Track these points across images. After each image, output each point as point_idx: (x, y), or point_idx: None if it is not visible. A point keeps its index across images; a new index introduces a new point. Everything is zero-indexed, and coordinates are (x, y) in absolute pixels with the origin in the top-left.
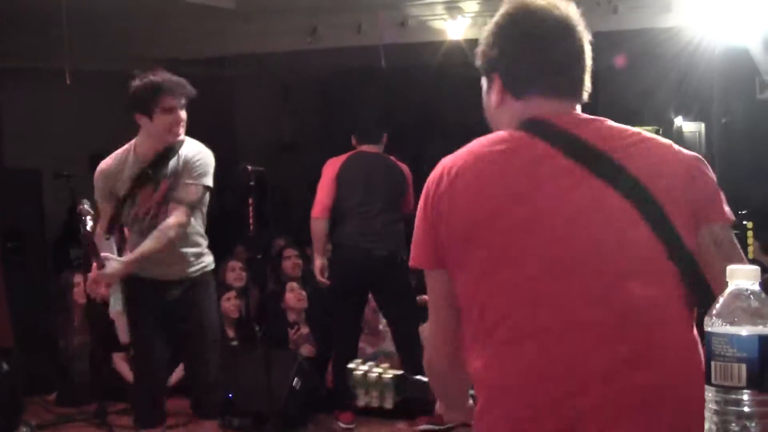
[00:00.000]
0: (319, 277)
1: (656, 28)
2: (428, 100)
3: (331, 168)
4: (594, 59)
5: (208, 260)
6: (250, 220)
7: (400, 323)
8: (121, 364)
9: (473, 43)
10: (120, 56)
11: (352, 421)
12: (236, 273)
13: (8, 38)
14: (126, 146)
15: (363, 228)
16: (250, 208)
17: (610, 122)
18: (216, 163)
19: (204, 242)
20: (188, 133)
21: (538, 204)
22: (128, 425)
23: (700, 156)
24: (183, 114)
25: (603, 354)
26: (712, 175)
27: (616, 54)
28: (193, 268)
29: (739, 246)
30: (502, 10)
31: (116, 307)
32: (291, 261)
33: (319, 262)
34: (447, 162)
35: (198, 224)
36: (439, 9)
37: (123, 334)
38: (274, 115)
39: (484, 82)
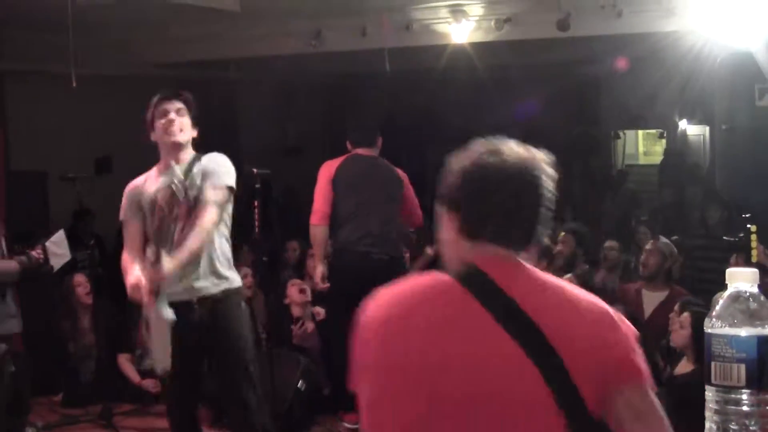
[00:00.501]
0: (318, 283)
1: (660, 32)
2: (432, 103)
3: (326, 171)
4: (597, 63)
5: (233, 277)
6: (256, 223)
7: None
8: (126, 365)
9: (477, 46)
10: (125, 60)
11: (357, 421)
12: (247, 280)
13: (15, 42)
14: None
15: (360, 232)
16: (256, 211)
17: (542, 275)
18: None
19: (226, 261)
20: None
21: (448, 352)
22: (133, 426)
23: (610, 312)
24: (181, 118)
25: None
26: (625, 331)
27: (619, 58)
28: (214, 288)
29: (657, 405)
30: (472, 156)
31: (168, 314)
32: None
33: (319, 269)
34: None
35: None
36: (444, 12)
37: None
38: (278, 118)
39: (443, 215)
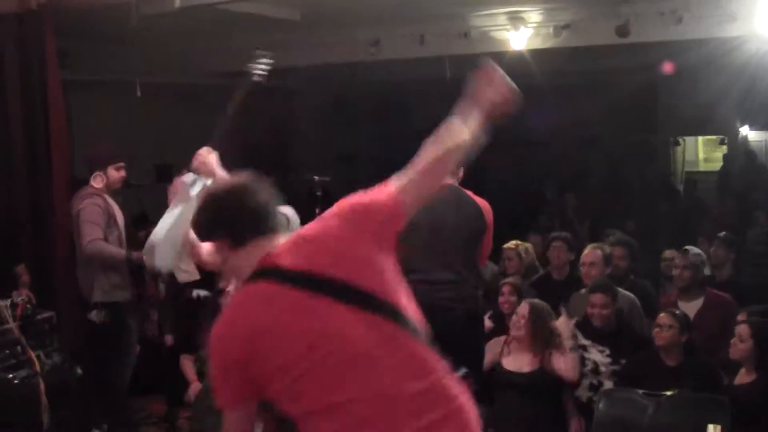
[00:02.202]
0: None
1: (721, 37)
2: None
3: None
4: (656, 69)
5: None
6: None
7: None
8: (188, 365)
9: (536, 53)
10: (186, 69)
11: None
12: None
13: (80, 53)
14: None
15: (431, 283)
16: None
17: (297, 235)
18: (277, 173)
19: None
20: (250, 142)
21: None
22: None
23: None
24: None
25: None
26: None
27: (679, 64)
28: None
29: None
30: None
31: None
32: None
33: None
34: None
35: None
36: (502, 19)
37: None
38: (335, 125)
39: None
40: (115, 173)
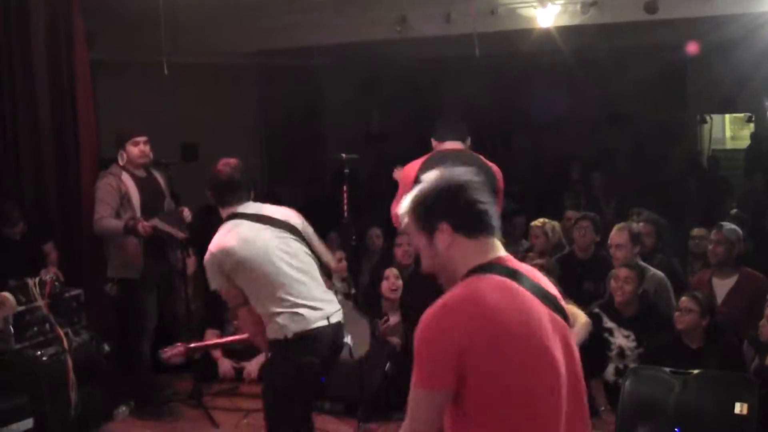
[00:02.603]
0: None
1: (751, 12)
2: (517, 88)
3: (410, 172)
4: (684, 46)
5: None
6: (345, 207)
7: None
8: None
9: (563, 30)
10: (212, 49)
11: None
12: (342, 264)
13: (107, 33)
14: None
15: None
16: (345, 196)
17: None
18: (305, 152)
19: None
20: (279, 122)
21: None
22: (222, 406)
23: None
24: None
25: None
26: None
27: (707, 41)
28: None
29: None
30: (445, 173)
31: None
32: (402, 249)
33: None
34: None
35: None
36: None
37: None
38: (363, 104)
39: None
40: (134, 149)
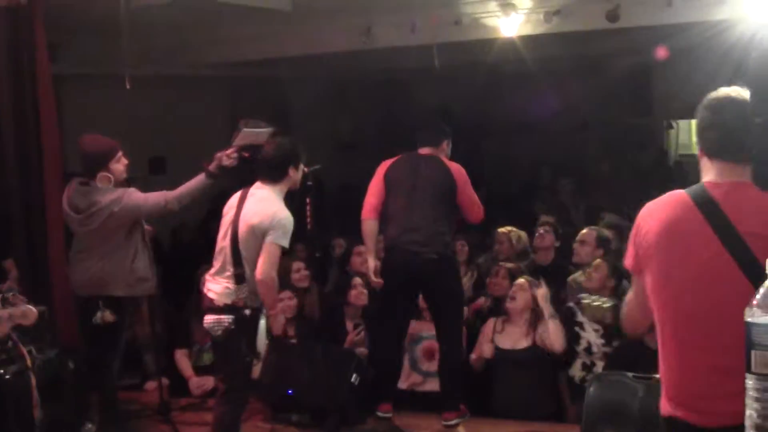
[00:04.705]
0: (372, 278)
1: (711, 20)
2: (483, 97)
3: (381, 169)
4: (648, 53)
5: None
6: (308, 219)
7: (443, 322)
8: (182, 360)
9: (526, 39)
10: (177, 60)
11: (389, 410)
12: (300, 274)
13: (70, 46)
14: None
15: (408, 230)
16: (308, 207)
17: (751, 191)
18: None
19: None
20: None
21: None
22: (190, 421)
23: None
24: None
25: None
26: None
27: (671, 47)
28: None
29: None
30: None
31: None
32: (361, 257)
33: (371, 262)
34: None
35: None
36: (493, 6)
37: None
38: (331, 115)
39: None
40: (119, 166)
